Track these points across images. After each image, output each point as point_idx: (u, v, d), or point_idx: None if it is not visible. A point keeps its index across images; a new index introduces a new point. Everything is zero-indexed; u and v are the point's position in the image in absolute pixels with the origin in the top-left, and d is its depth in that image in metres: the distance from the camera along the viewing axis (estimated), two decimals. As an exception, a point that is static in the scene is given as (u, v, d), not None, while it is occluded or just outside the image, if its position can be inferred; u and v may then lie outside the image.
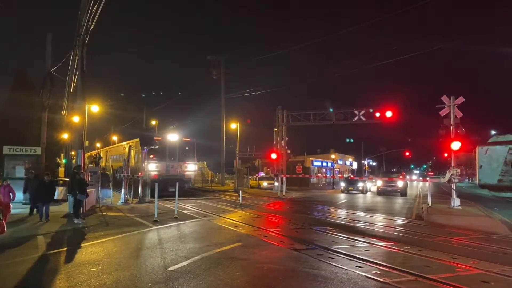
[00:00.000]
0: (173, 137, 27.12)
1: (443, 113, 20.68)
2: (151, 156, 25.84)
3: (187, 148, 27.99)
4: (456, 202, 20.65)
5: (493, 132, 58.45)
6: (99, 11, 15.49)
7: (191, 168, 28.14)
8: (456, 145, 19.93)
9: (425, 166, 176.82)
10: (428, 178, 39.51)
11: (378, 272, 8.08)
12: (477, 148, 30.74)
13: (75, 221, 13.71)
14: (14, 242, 10.86)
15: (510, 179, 28.00)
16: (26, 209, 17.69)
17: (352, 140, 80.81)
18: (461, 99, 20.47)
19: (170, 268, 8.20)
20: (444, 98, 20.70)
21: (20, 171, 20.34)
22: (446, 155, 23.07)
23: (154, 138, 24.92)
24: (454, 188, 20.93)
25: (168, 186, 23.58)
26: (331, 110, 33.42)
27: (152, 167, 25.41)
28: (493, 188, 29.84)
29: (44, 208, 14.74)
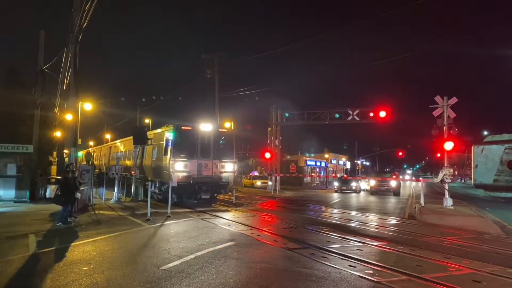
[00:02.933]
0: (206, 126, 19.80)
1: (436, 113, 20.79)
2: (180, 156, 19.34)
3: (223, 141, 20.80)
4: (448, 202, 20.77)
5: (485, 133, 58.91)
6: (92, 8, 15.39)
7: (229, 168, 20.67)
8: (449, 145, 20.04)
9: (418, 166, 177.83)
10: (421, 178, 39.72)
11: (371, 272, 8.09)
12: (472, 148, 30.75)
13: (56, 224, 13.33)
14: (5, 241, 10.76)
15: (506, 179, 28.01)
16: (17, 207, 17.57)
17: (346, 147, 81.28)
18: (454, 100, 20.58)
19: (162, 267, 8.15)
20: (438, 98, 20.81)
21: (11, 169, 20.18)
22: (439, 155, 23.18)
23: (182, 127, 19.32)
24: (447, 188, 21.04)
25: (200, 192, 19.27)
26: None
27: (180, 167, 18.74)
28: (488, 188, 29.87)
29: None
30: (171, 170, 18.44)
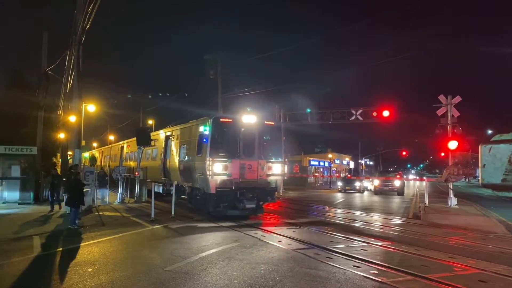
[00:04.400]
0: (249, 118, 16.04)
1: (440, 112, 20.72)
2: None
3: (270, 136, 16.84)
4: (453, 201, 20.70)
5: (489, 132, 58.65)
6: (94, 10, 15.42)
7: (277, 169, 16.53)
8: (453, 145, 19.96)
9: (422, 166, 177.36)
10: (425, 177, 39.59)
11: (376, 272, 8.06)
12: (480, 147, 30.55)
13: (70, 227, 13.40)
14: (9, 242, 10.79)
15: None
16: (21, 209, 17.63)
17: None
18: (458, 99, 20.50)
19: (166, 268, 8.15)
20: (441, 97, 20.74)
21: (16, 171, 20.24)
22: (443, 154, 23.10)
23: (221, 119, 15.82)
24: (451, 187, 20.97)
25: (244, 200, 15.19)
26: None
27: (219, 169, 15.05)
28: (496, 187, 29.61)
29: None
30: (208, 173, 14.78)
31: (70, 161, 23.63)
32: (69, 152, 27.16)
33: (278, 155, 16.95)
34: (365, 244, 11.15)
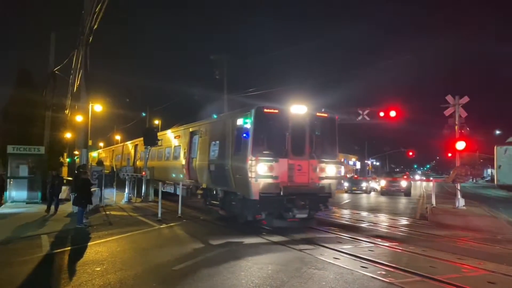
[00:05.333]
0: (299, 109, 13.28)
1: (447, 112, 20.60)
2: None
3: (322, 132, 14.00)
4: (461, 202, 20.58)
5: (497, 132, 58.23)
6: (102, 10, 15.50)
7: (331, 171, 13.75)
8: (461, 145, 19.84)
9: (428, 166, 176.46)
10: (431, 178, 39.40)
11: (384, 273, 8.03)
12: (495, 148, 30.39)
13: (78, 226, 13.47)
14: (19, 241, 10.87)
15: None
16: (29, 208, 17.75)
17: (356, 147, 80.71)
18: (466, 99, 20.38)
19: (174, 268, 8.17)
20: (449, 98, 20.62)
21: (23, 170, 20.39)
22: (450, 155, 22.95)
23: (265, 110, 12.88)
24: (459, 188, 20.85)
25: (293, 208, 12.45)
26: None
27: (263, 170, 12.35)
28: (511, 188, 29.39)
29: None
30: (249, 174, 12.12)
31: (77, 160, 23.75)
32: (76, 152, 27.35)
33: (332, 153, 14.08)
34: (372, 244, 11.11)
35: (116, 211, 17.66)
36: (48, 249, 10.02)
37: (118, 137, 60.96)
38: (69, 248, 10.26)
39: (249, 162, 12.19)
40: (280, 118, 13.07)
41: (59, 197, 17.54)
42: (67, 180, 22.50)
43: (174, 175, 19.95)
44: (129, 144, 32.54)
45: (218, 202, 15.07)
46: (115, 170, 29.74)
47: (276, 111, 13.08)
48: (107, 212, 17.01)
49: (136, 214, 16.93)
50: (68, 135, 29.58)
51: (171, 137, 21.27)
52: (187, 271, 7.97)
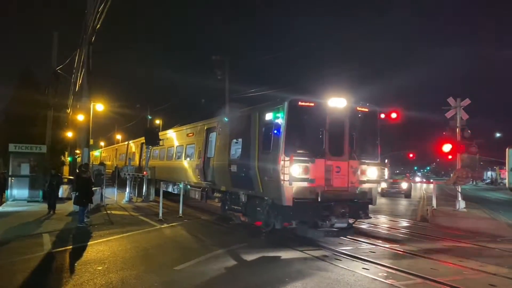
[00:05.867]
0: (338, 102, 11.58)
1: (449, 115, 20.56)
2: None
3: (363, 128, 12.12)
4: (461, 204, 20.52)
5: (497, 135, 58.21)
6: (105, 10, 15.53)
7: (372, 174, 12.06)
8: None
9: (428, 168, 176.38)
10: (432, 180, 39.40)
11: (385, 274, 8.05)
12: (507, 150, 30.30)
13: (79, 225, 13.48)
14: (20, 240, 10.89)
15: None
16: (31, 207, 17.79)
17: None
18: (467, 101, 20.34)
19: (176, 268, 8.19)
20: (450, 100, 20.58)
21: (25, 169, 20.43)
22: (450, 157, 22.95)
23: (300, 102, 11.18)
24: (460, 190, 20.83)
25: (330, 216, 10.86)
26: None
27: (297, 171, 10.71)
28: None
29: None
30: (281, 177, 10.50)
31: (78, 159, 23.77)
32: (77, 151, 27.38)
33: (373, 153, 12.34)
34: (373, 246, 11.12)
35: (117, 211, 17.69)
36: (49, 248, 10.04)
37: (119, 137, 61.04)
38: (70, 247, 10.29)
39: (282, 162, 10.55)
40: (316, 112, 11.34)
41: (59, 196, 17.58)
42: (68, 179, 22.54)
43: (186, 177, 18.39)
44: (133, 143, 31.32)
45: (239, 208, 13.31)
46: (118, 169, 29.49)
47: (312, 104, 11.32)
48: (108, 212, 17.03)
49: (137, 213, 16.95)
50: (69, 134, 29.64)
51: (182, 135, 19.86)
52: (188, 271, 7.99)
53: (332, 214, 10.84)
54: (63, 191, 20.00)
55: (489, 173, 78.45)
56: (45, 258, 9.06)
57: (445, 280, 7.56)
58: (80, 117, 20.08)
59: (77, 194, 14.30)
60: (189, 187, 18.07)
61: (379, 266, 8.69)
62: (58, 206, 16.66)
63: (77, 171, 15.68)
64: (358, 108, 11.99)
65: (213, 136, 15.70)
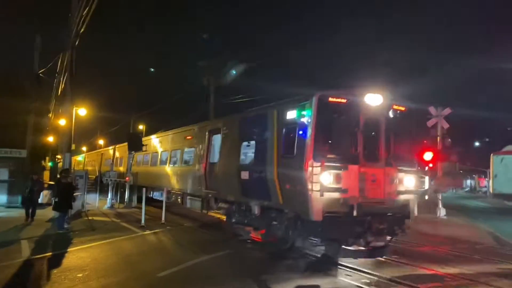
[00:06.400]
0: (374, 99, 9.94)
1: (430, 123, 20.95)
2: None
3: (399, 130, 10.40)
4: (442, 212, 20.87)
5: (476, 144, 59.46)
6: (89, 14, 15.39)
7: (409, 183, 10.44)
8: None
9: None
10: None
11: (368, 281, 8.12)
12: (491, 157, 30.72)
13: (59, 231, 13.24)
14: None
15: None
16: (9, 213, 17.40)
17: None
18: (448, 110, 20.78)
19: (158, 275, 8.09)
20: (431, 109, 20.99)
21: (3, 174, 20.02)
22: (431, 165, 23.27)
23: (330, 98, 9.53)
24: (440, 198, 21.16)
25: (366, 233, 9.27)
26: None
27: (328, 179, 9.07)
28: (508, 197, 29.80)
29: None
30: (309, 186, 8.96)
31: (59, 165, 23.40)
32: (58, 156, 26.94)
33: (410, 159, 10.73)
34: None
35: (99, 217, 17.43)
36: (28, 255, 9.83)
37: (101, 142, 60.34)
38: (50, 253, 10.08)
39: (309, 169, 8.97)
40: (349, 110, 9.73)
41: (39, 202, 17.18)
42: (48, 184, 22.13)
43: (182, 184, 16.74)
44: (121, 148, 28.63)
45: (250, 221, 11.81)
46: (101, 174, 28.71)
47: (344, 100, 9.67)
48: (90, 218, 16.76)
49: (119, 220, 16.74)
50: (50, 139, 29.17)
51: (179, 138, 18.18)
52: (171, 278, 7.91)
53: (368, 231, 9.19)
54: (43, 196, 19.61)
55: (468, 181, 79.90)
56: (23, 265, 8.85)
57: (426, 287, 7.67)
58: (62, 122, 19.81)
59: (56, 199, 14.03)
60: (188, 196, 16.24)
61: (361, 273, 8.76)
62: (38, 212, 16.32)
63: (58, 176, 15.43)
64: (395, 107, 10.35)
65: (217, 139, 13.96)
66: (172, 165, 18.36)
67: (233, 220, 12.80)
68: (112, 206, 21.68)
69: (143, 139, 22.56)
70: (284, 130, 10.22)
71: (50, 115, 26.82)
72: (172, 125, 21.99)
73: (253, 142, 11.72)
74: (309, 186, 8.88)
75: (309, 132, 9.24)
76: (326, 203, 8.92)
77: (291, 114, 10.06)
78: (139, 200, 20.37)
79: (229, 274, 8.42)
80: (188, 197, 16.12)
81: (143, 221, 15.05)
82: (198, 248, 11.12)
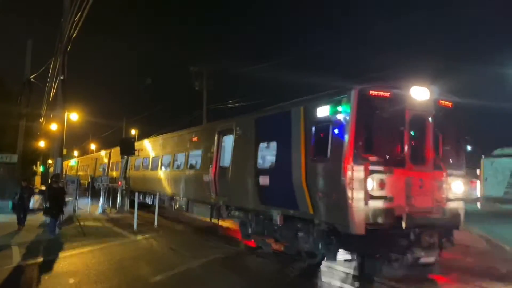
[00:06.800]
0: (421, 93, 8.68)
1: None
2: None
3: (446, 128, 9.22)
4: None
5: (468, 148, 59.82)
6: (82, 19, 15.38)
7: (458, 188, 9.10)
8: None
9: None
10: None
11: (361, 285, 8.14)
12: (482, 160, 30.96)
13: (50, 237, 13.13)
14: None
15: None
16: None
17: None
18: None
19: (152, 280, 8.06)
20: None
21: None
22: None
23: (371, 92, 8.30)
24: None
25: (414, 248, 8.05)
26: None
27: (371, 186, 7.84)
28: (498, 200, 30.04)
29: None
30: (348, 194, 7.83)
31: (51, 170, 23.25)
32: (50, 161, 26.77)
33: (458, 161, 9.51)
34: (350, 257, 11.17)
35: (91, 222, 17.31)
36: (18, 261, 9.71)
37: (93, 146, 60.06)
38: (41, 259, 9.97)
39: (349, 173, 7.82)
40: (393, 105, 8.53)
41: (29, 208, 16.98)
42: (39, 189, 21.95)
43: (188, 190, 15.67)
44: (117, 151, 26.95)
45: (271, 232, 10.55)
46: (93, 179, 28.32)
47: (388, 94, 8.47)
48: (81, 223, 16.65)
49: (111, 224, 16.63)
50: (42, 144, 29.00)
51: (183, 141, 16.88)
52: (164, 283, 7.88)
53: (417, 245, 8.02)
54: (34, 201, 19.45)
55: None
56: (13, 271, 8.75)
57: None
58: (54, 127, 19.72)
59: (47, 204, 13.92)
60: (195, 203, 15.09)
61: (355, 278, 8.76)
62: (28, 217, 16.17)
63: (49, 181, 15.34)
64: (441, 102, 9.13)
65: (228, 140, 12.87)
66: (175, 170, 17.04)
67: (249, 230, 11.58)
68: (104, 211, 21.54)
69: (143, 141, 22.32)
70: (313, 129, 9.00)
71: (41, 119, 26.68)
72: (165, 130, 21.96)
73: (273, 144, 10.65)
74: (349, 194, 7.72)
75: (348, 130, 8.04)
76: (368, 214, 7.81)
77: (323, 111, 8.86)
78: (132, 205, 20.10)
79: (222, 278, 8.40)
80: (195, 204, 14.97)
81: (135, 226, 14.97)
82: (191, 252, 11.07)
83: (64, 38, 16.46)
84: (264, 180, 10.42)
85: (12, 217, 16.90)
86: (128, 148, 19.40)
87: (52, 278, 8.13)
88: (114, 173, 25.87)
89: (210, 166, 13.28)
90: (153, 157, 20.04)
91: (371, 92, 8.27)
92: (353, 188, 7.68)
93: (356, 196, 7.67)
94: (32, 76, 22.10)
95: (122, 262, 9.81)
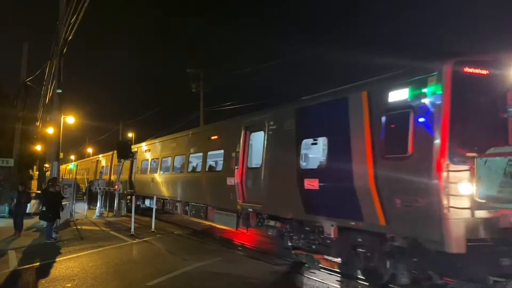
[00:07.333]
0: None
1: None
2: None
3: None
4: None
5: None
6: (77, 22, 15.33)
7: None
8: None
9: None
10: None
11: (359, 287, 8.12)
12: (475, 160, 31.01)
13: (47, 241, 13.04)
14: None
15: (510, 190, 28.06)
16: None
17: None
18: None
19: (148, 283, 8.02)
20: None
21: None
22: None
23: (466, 69, 6.36)
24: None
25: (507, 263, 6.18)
26: None
27: (469, 190, 6.34)
28: (492, 199, 30.17)
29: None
30: (444, 202, 6.14)
31: (47, 174, 23.16)
32: (46, 165, 26.67)
33: None
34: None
35: (88, 226, 17.24)
36: (15, 265, 9.68)
37: (90, 150, 59.91)
38: (38, 263, 9.93)
39: (444, 175, 6.22)
40: (492, 86, 6.70)
41: (26, 212, 16.86)
42: (36, 193, 21.85)
43: (206, 195, 14.19)
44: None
45: (321, 246, 8.92)
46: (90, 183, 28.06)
47: (485, 72, 6.63)
48: (78, 227, 16.55)
49: (108, 228, 16.57)
50: (38, 148, 28.88)
51: (200, 139, 15.29)
52: (161, 287, 7.84)
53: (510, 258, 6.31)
54: (30, 206, 19.34)
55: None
56: (10, 276, 8.71)
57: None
58: (50, 130, 19.62)
59: (43, 209, 13.84)
60: (216, 210, 13.42)
61: (353, 279, 8.74)
62: (25, 221, 16.09)
63: (45, 185, 15.26)
64: None
65: (257, 137, 11.16)
66: (190, 172, 15.38)
67: (290, 243, 9.96)
68: (101, 215, 21.49)
69: (150, 142, 21.34)
70: (384, 118, 7.14)
71: (37, 123, 26.56)
72: (164, 131, 21.84)
73: (322, 139, 8.99)
74: (444, 201, 6.09)
75: (439, 119, 6.31)
76: (469, 227, 6.21)
77: (398, 95, 7.03)
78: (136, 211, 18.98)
79: (218, 281, 8.37)
80: (216, 211, 13.36)
81: (132, 230, 14.91)
82: (188, 256, 11.02)
83: (60, 40, 16.38)
84: (310, 184, 8.62)
85: (9, 222, 16.83)
86: (124, 152, 19.31)
87: (49, 282, 8.07)
88: (121, 176, 24.27)
89: (236, 167, 11.51)
90: (163, 159, 18.23)
91: (465, 69, 6.53)
92: (449, 194, 6.13)
93: (456, 204, 6.10)
94: (28, 79, 22.00)
95: (119, 266, 9.75)
